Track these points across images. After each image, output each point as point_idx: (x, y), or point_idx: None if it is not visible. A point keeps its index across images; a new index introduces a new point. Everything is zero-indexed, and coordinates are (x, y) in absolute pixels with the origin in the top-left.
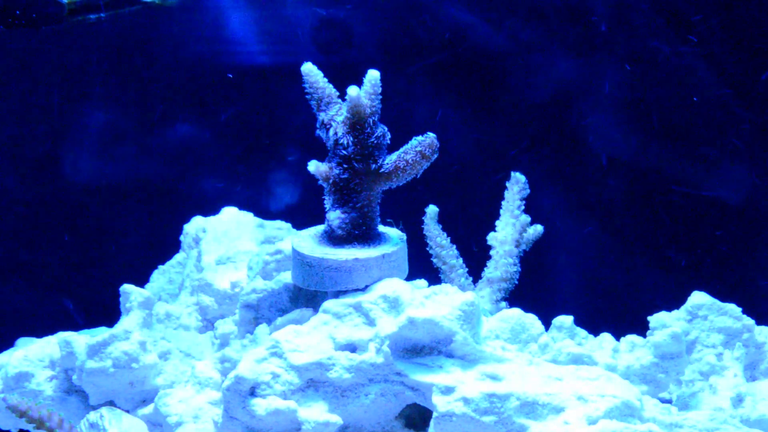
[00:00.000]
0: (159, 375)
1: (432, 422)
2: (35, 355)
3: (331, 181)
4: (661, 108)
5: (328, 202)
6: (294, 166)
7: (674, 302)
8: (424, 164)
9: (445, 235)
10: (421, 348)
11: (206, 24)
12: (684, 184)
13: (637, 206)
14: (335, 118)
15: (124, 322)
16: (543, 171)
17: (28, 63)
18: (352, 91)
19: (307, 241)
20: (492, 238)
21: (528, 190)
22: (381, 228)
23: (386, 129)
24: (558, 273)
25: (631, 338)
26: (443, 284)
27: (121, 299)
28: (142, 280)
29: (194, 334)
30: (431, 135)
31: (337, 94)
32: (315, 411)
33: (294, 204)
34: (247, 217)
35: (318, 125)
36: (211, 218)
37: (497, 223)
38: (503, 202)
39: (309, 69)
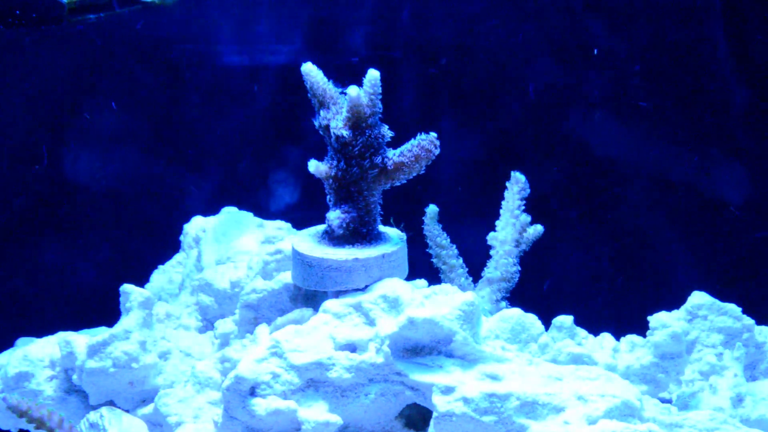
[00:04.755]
0: (159, 375)
1: (432, 422)
2: (35, 355)
3: (331, 180)
4: (662, 107)
5: (329, 202)
6: (294, 166)
7: (674, 302)
8: (423, 163)
9: (445, 235)
10: (421, 348)
11: (206, 23)
12: (684, 184)
13: (637, 206)
14: (336, 117)
15: (124, 322)
16: (544, 171)
17: (28, 62)
18: (352, 90)
19: (307, 241)
20: (492, 238)
21: (528, 190)
22: (381, 228)
23: (386, 128)
24: (558, 273)
25: (631, 338)
26: (443, 284)
27: (121, 299)
28: (142, 280)
29: (194, 334)
30: (432, 134)
31: (338, 93)
32: (315, 411)
33: (294, 204)
34: (247, 217)
35: (318, 125)
36: (211, 218)
37: (497, 223)
38: (503, 202)
39: (309, 69)
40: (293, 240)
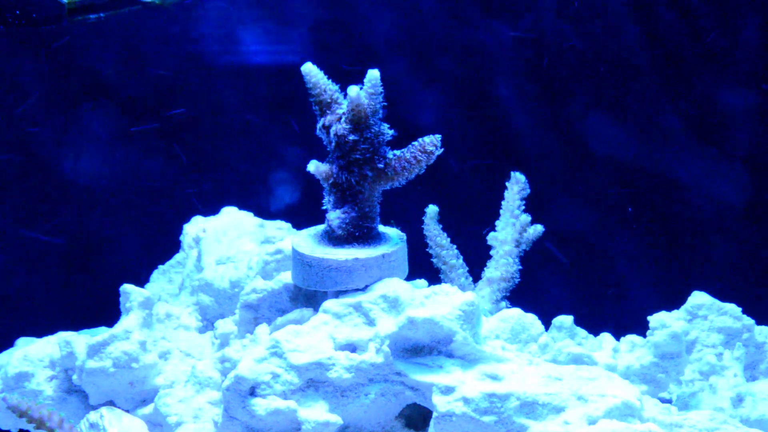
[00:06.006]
0: (159, 375)
1: (432, 422)
2: (35, 355)
3: (331, 181)
4: (662, 108)
5: (328, 202)
6: (294, 166)
7: (674, 302)
8: (424, 164)
9: (445, 235)
10: (421, 348)
11: (205, 23)
12: (684, 184)
13: (638, 206)
14: (336, 117)
15: (124, 322)
16: (543, 171)
17: (28, 62)
18: (353, 90)
19: (307, 241)
20: (492, 238)
21: (528, 190)
22: (381, 228)
23: (387, 128)
24: (558, 273)
25: (631, 338)
26: (443, 284)
27: (121, 299)
28: (142, 280)
29: (194, 334)
30: (434, 136)
31: (339, 93)
32: (315, 411)
33: (294, 204)
34: (247, 217)
35: (319, 125)
36: (211, 218)
37: (497, 223)
38: (503, 202)
39: (309, 69)
40: (293, 240)
